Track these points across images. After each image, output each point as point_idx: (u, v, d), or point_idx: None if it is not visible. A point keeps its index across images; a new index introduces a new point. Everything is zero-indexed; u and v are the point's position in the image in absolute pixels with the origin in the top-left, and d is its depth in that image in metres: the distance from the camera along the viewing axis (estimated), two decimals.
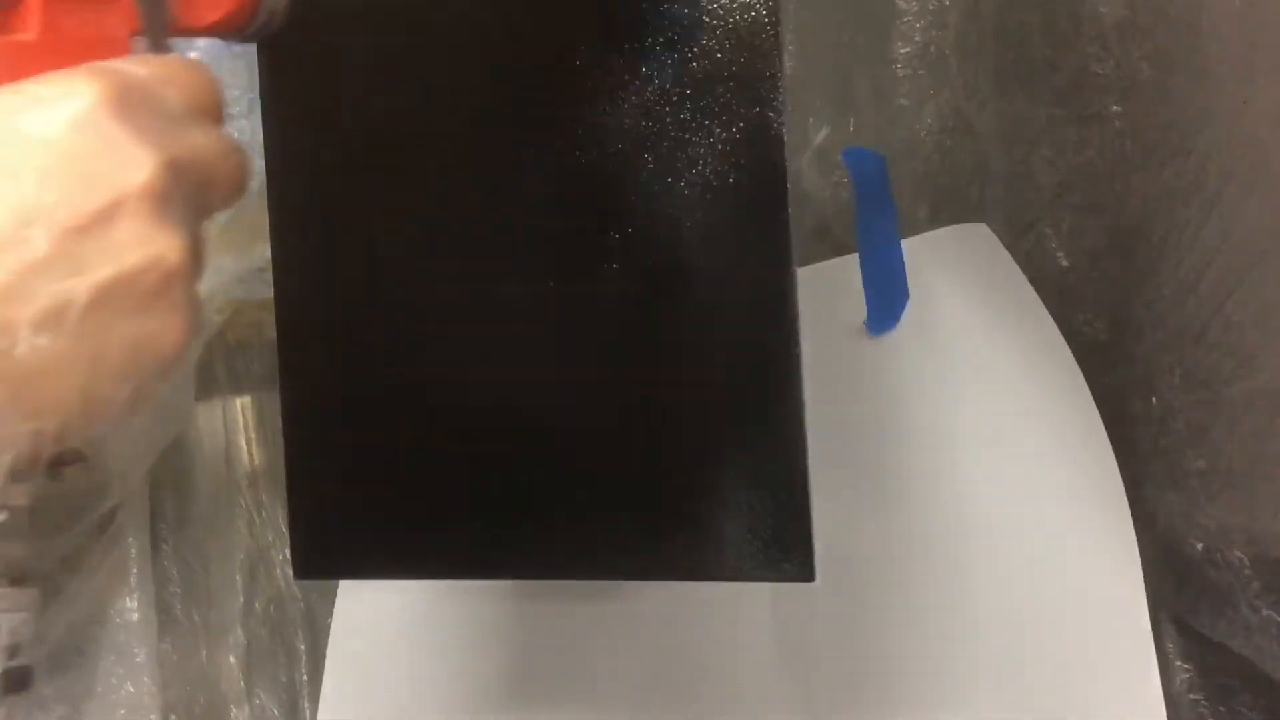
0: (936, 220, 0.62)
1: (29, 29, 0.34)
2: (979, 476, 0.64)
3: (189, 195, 0.32)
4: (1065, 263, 0.67)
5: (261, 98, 0.51)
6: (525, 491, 0.50)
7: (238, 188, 0.36)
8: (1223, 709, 0.61)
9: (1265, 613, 0.54)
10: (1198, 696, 0.62)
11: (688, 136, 0.47)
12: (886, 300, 0.62)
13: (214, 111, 0.35)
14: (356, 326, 0.51)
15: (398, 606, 0.71)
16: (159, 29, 0.38)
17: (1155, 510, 0.61)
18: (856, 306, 0.63)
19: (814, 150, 0.75)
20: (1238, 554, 0.54)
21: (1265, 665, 0.56)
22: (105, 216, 0.29)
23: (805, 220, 0.73)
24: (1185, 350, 0.56)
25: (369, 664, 0.71)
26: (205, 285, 0.74)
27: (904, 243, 0.61)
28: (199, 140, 0.33)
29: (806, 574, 0.47)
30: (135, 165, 0.30)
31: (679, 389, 0.48)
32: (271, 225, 0.51)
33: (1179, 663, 0.62)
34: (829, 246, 0.73)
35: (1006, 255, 0.63)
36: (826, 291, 0.67)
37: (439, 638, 0.70)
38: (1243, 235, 0.52)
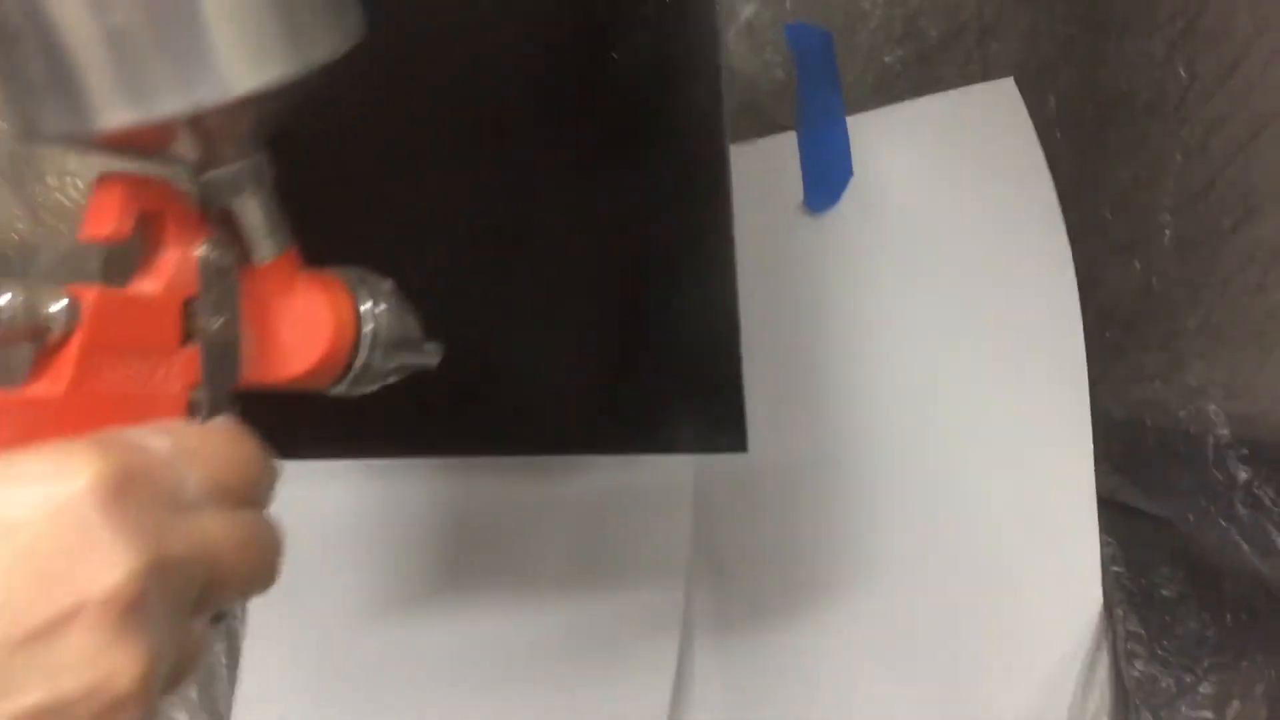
0: (883, 96, 0.61)
1: (57, 383, 0.29)
2: (924, 361, 0.65)
3: (179, 595, 0.27)
4: None
5: None
6: (458, 369, 0.47)
7: (256, 583, 0.31)
8: (1143, 581, 0.64)
9: (1231, 467, 0.56)
10: (1119, 569, 0.64)
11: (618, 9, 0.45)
12: (827, 178, 0.61)
13: (247, 490, 0.30)
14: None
15: (321, 500, 0.70)
16: (223, 385, 0.33)
17: (1128, 377, 0.62)
18: (794, 185, 0.63)
19: (742, 24, 0.73)
20: (1213, 407, 0.56)
21: (1214, 530, 0.58)
22: (55, 627, 0.24)
23: (733, 97, 0.72)
24: (1182, 210, 0.57)
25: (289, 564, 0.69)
26: None
27: (852, 118, 0.61)
28: (211, 528, 0.28)
29: (739, 445, 0.47)
30: (107, 566, 0.25)
31: (614, 267, 0.47)
32: None
33: (1104, 535, 0.64)
34: (760, 124, 0.71)
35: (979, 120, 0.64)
36: (762, 170, 0.66)
37: (363, 530, 0.69)
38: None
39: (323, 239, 0.36)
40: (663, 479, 0.66)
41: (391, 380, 0.39)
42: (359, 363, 0.36)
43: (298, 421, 0.47)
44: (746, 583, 0.67)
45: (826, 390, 0.65)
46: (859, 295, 0.63)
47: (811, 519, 0.65)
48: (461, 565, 0.68)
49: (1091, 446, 0.62)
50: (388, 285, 0.37)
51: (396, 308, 0.37)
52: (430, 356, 0.39)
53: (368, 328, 0.36)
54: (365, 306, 0.36)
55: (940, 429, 0.64)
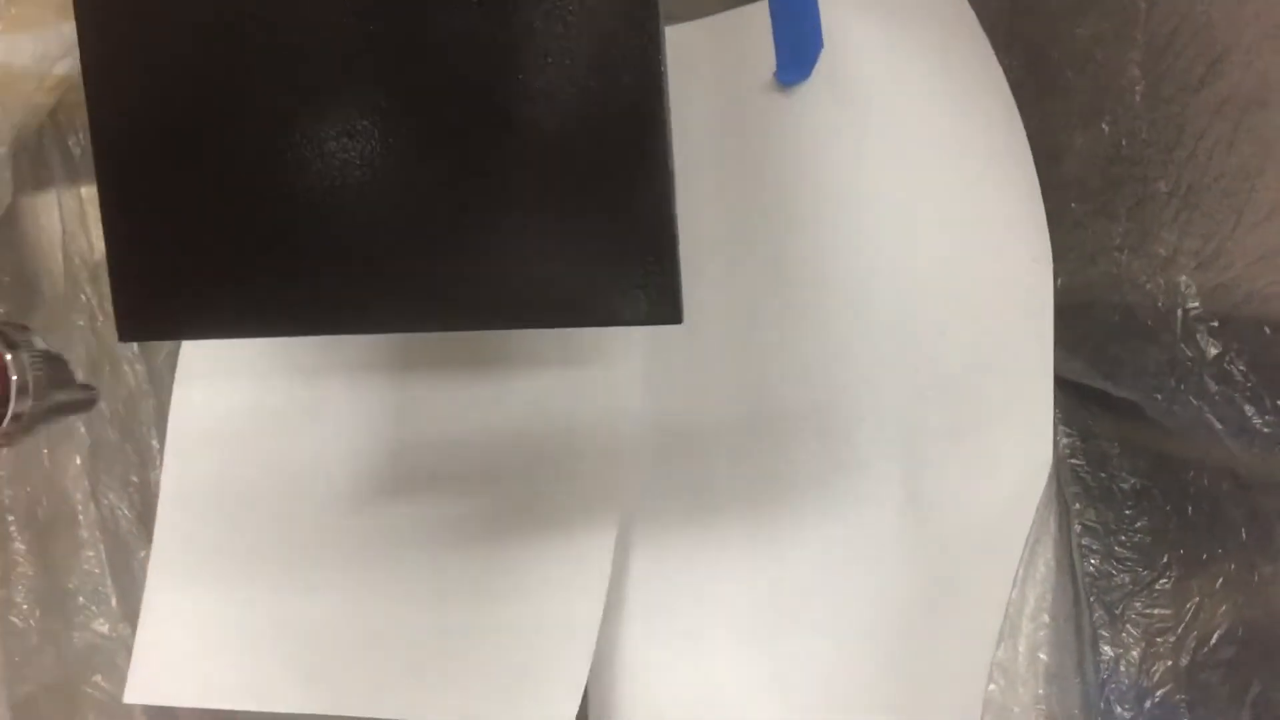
0: None
1: None
2: (889, 237, 0.63)
3: None
4: None
5: None
6: (372, 233, 0.45)
7: None
8: (1103, 474, 0.62)
9: (1202, 342, 0.54)
10: (1078, 461, 0.62)
11: None
12: (798, 46, 0.59)
13: None
14: (179, 48, 0.45)
15: (236, 397, 0.67)
16: None
17: (1094, 249, 0.60)
18: (766, 58, 0.60)
19: None
20: (1183, 279, 0.54)
21: (1185, 410, 0.56)
22: None
23: None
24: (1149, 64, 0.55)
25: (211, 453, 0.66)
26: (20, 63, 0.67)
27: None
28: None
29: (674, 315, 0.44)
30: None
31: (540, 118, 0.44)
32: None
33: (1062, 428, 0.62)
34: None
35: None
36: (731, 43, 0.64)
37: (282, 424, 0.66)
38: None
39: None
40: (609, 368, 0.64)
41: (54, 421, 0.41)
42: (10, 412, 0.39)
43: (204, 296, 0.47)
44: (691, 469, 0.65)
45: (792, 265, 0.63)
46: (828, 169, 0.61)
47: (766, 391, 0.63)
48: (388, 460, 0.65)
49: (1051, 313, 0.60)
50: (34, 337, 0.40)
51: (43, 356, 0.40)
52: (88, 395, 0.43)
53: (14, 377, 0.39)
54: (8, 358, 0.39)
55: (903, 299, 0.62)
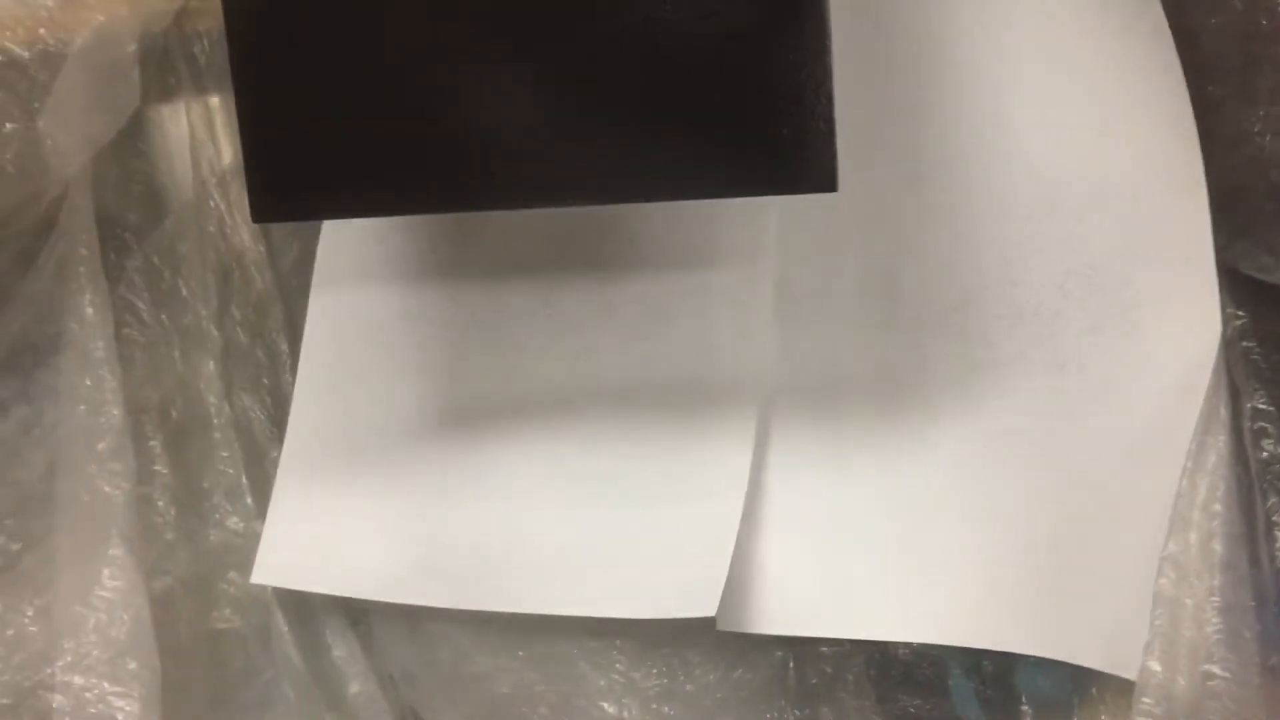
0: None
1: None
2: (1028, 123, 0.60)
3: None
4: None
5: None
6: (511, 104, 0.45)
7: None
8: (1277, 356, 0.58)
9: None
10: (1250, 343, 0.58)
11: None
12: None
13: None
14: None
15: (374, 302, 0.67)
16: None
17: (1234, 135, 0.56)
18: None
19: None
20: None
21: None
22: None
23: None
24: None
25: (345, 365, 0.67)
26: None
27: None
28: None
29: (827, 182, 0.42)
30: None
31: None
32: None
33: (1230, 310, 0.58)
34: None
35: None
36: None
37: (419, 334, 0.66)
38: None
39: None
40: (737, 268, 0.62)
41: None
42: None
43: (339, 172, 0.47)
44: (824, 373, 0.62)
45: (926, 157, 0.60)
46: (964, 53, 0.59)
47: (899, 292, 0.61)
48: (514, 372, 0.65)
49: (1205, 192, 0.58)
50: None
51: None
52: None
53: None
54: None
55: (1041, 188, 0.59)
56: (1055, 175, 0.59)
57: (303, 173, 0.47)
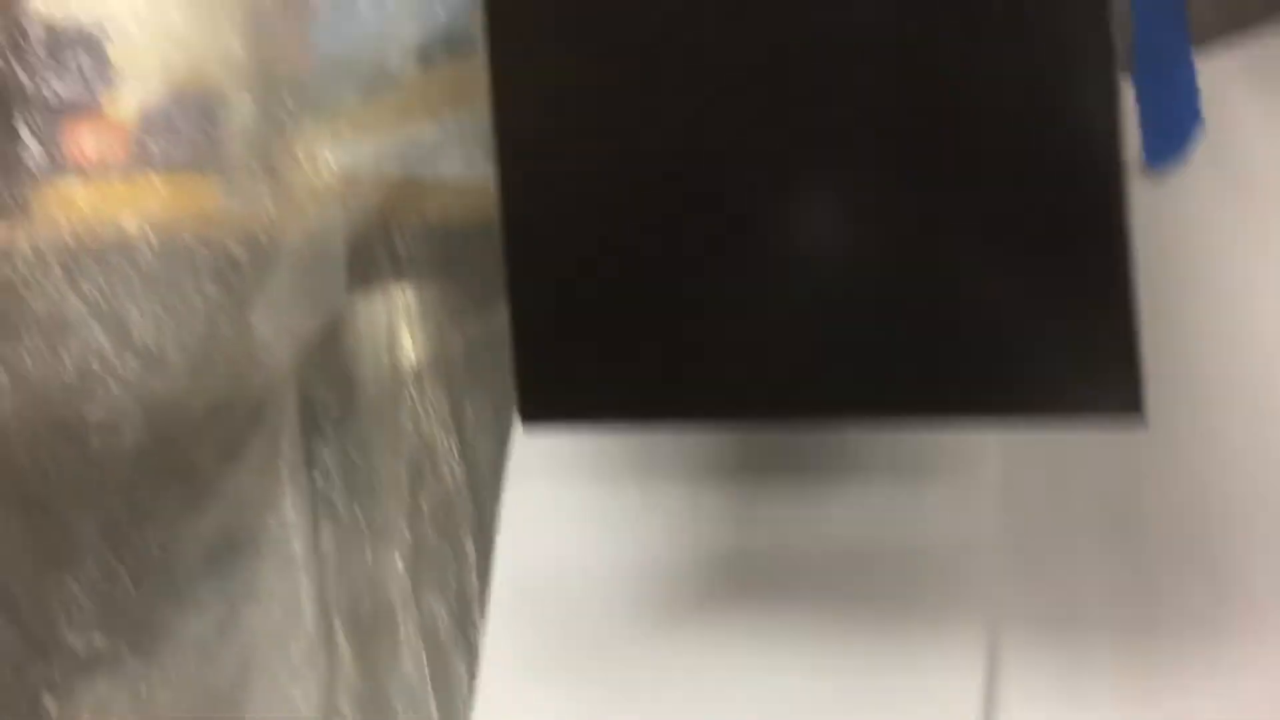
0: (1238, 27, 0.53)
1: None
2: None
3: None
4: None
5: None
6: (787, 320, 0.42)
7: None
8: None
9: None
10: None
11: None
12: (1172, 126, 0.52)
13: None
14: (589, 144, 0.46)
15: (571, 501, 0.65)
16: None
17: None
18: (1130, 138, 0.54)
19: None
20: None
21: None
22: None
23: None
24: None
25: (539, 566, 0.65)
26: (361, 166, 0.69)
27: (1201, 55, 0.52)
28: None
29: (1132, 403, 0.38)
30: None
31: (973, 198, 0.40)
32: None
33: None
34: None
35: None
36: None
37: (616, 535, 0.64)
38: None
39: None
40: (959, 476, 0.58)
41: None
42: None
43: (608, 382, 0.46)
44: (1058, 598, 0.58)
45: (1171, 372, 0.56)
46: (1208, 265, 0.54)
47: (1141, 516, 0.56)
48: (717, 578, 0.62)
49: None
50: None
51: None
52: None
53: None
54: None
55: None
56: None
57: (573, 379, 0.47)
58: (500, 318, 0.48)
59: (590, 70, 0.45)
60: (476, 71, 0.72)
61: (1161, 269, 0.55)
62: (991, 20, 0.38)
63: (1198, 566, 0.55)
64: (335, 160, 0.70)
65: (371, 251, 0.74)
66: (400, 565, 0.69)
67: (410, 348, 0.74)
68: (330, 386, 0.73)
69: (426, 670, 0.67)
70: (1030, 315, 0.39)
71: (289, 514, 0.66)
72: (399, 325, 0.74)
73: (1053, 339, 0.39)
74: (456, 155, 0.72)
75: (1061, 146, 0.39)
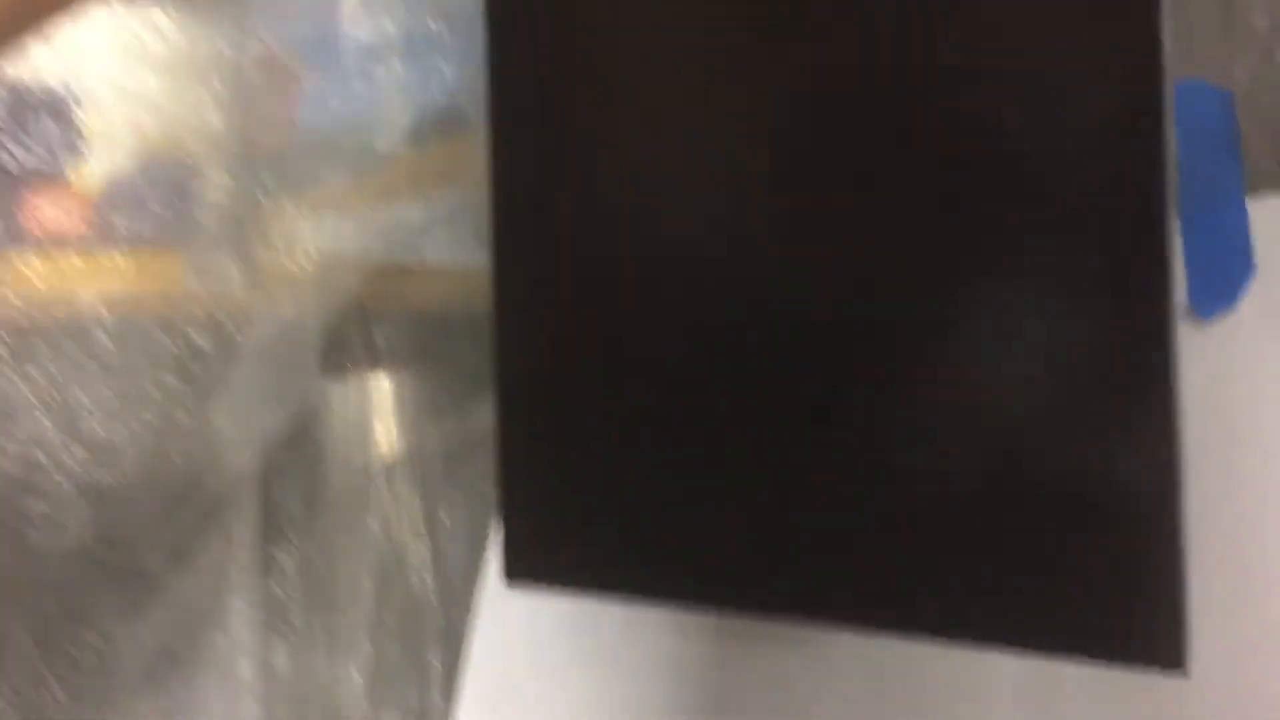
0: None
1: None
2: None
3: None
4: None
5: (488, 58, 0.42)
6: (804, 512, 0.38)
7: None
8: None
9: None
10: None
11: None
12: (1223, 273, 0.49)
13: None
14: (591, 292, 0.41)
15: (550, 627, 0.60)
16: None
17: None
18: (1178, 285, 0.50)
19: None
20: None
21: None
22: None
23: None
24: None
25: (510, 687, 0.60)
26: (333, 245, 0.65)
27: (1255, 200, 0.49)
28: None
29: (1174, 659, 0.33)
30: None
31: (1009, 394, 0.36)
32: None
33: None
34: None
35: None
36: None
37: (597, 669, 0.59)
38: None
39: None
40: None
41: None
42: None
43: (602, 548, 0.41)
44: None
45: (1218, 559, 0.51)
46: (1257, 418, 0.50)
47: None
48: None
49: None
50: None
51: None
52: None
53: None
54: None
55: None
56: None
57: (564, 541, 0.42)
58: (481, 416, 0.44)
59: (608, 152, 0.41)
60: (469, 149, 0.68)
61: (1205, 418, 0.51)
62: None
63: None
64: (314, 242, 0.66)
65: (347, 339, 0.69)
66: (358, 680, 0.64)
67: (383, 444, 0.69)
68: (295, 486, 0.68)
69: None
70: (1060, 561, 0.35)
71: (238, 628, 0.61)
72: (372, 420, 0.69)
73: (1094, 601, 0.34)
74: (443, 238, 0.68)
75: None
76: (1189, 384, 0.51)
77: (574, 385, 0.41)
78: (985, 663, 0.53)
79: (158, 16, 0.63)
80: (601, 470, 0.41)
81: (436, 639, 0.66)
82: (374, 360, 0.69)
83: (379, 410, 0.69)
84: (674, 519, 0.39)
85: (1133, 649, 0.33)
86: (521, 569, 0.42)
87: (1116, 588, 0.34)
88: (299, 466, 0.68)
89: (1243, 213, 0.49)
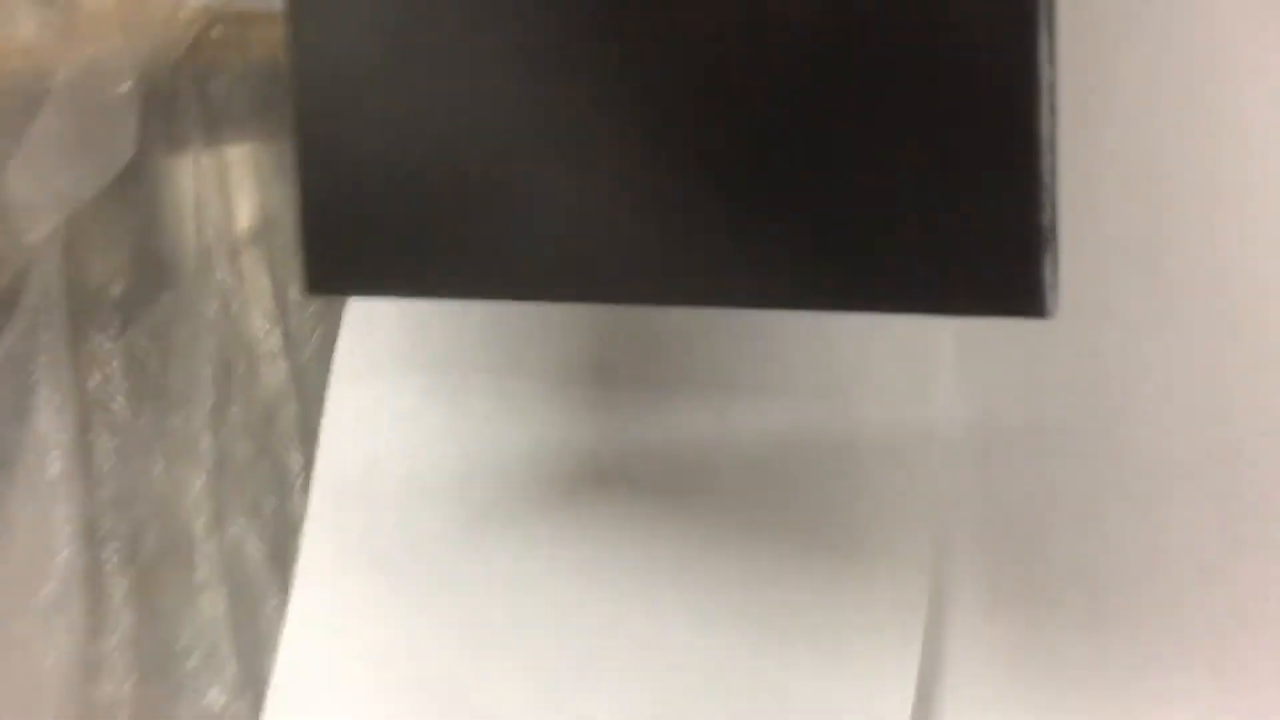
0: None
1: None
2: None
3: None
4: None
5: None
6: (605, 179, 0.34)
7: None
8: None
9: None
10: None
11: None
12: None
13: None
14: None
15: (409, 394, 0.54)
16: None
17: None
18: None
19: None
20: None
21: None
22: None
23: None
24: None
25: (365, 466, 0.53)
26: None
27: None
28: None
29: (1035, 306, 0.30)
30: None
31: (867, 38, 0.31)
32: None
33: None
34: None
35: None
36: None
37: (461, 427, 0.53)
38: None
39: None
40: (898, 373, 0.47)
41: None
42: None
43: (404, 246, 0.38)
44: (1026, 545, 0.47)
45: (1170, 246, 0.45)
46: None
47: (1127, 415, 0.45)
48: (607, 514, 0.51)
49: None
50: None
51: None
52: None
53: None
54: None
55: None
56: None
57: (366, 238, 0.39)
58: None
59: None
60: None
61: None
62: None
63: (1203, 496, 0.45)
64: None
65: (175, 95, 0.60)
66: (200, 484, 0.55)
67: (222, 215, 0.60)
68: (116, 266, 0.59)
69: (229, 617, 0.53)
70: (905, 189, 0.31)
71: (44, 426, 0.52)
72: (209, 188, 0.60)
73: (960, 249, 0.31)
74: None
75: None
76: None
77: (372, 82, 0.37)
78: None
79: None
80: (405, 163, 0.38)
81: (292, 434, 0.57)
82: (210, 119, 0.60)
83: (217, 176, 0.60)
84: (484, 203, 0.36)
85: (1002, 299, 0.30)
86: (323, 277, 0.39)
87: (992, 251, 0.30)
88: (123, 245, 0.59)
89: None
